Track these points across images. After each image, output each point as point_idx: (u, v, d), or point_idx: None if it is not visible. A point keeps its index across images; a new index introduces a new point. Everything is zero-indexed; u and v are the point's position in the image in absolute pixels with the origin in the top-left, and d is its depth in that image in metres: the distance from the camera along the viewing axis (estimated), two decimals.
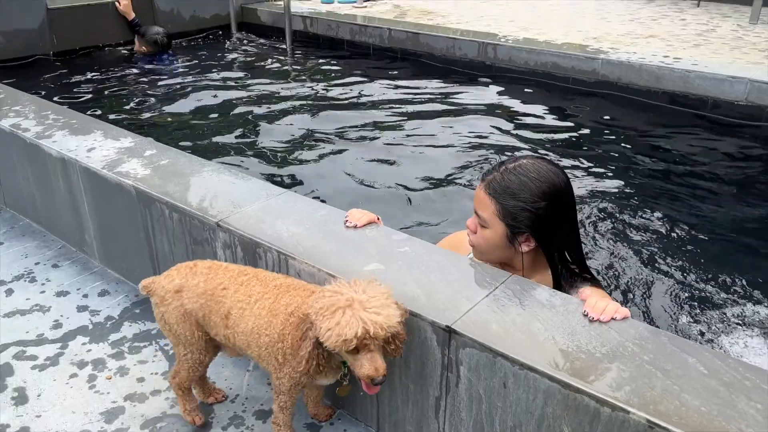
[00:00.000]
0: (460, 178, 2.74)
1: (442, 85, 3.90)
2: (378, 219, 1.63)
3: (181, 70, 4.26)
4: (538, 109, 3.53)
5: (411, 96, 3.74)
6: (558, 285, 1.45)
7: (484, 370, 1.24)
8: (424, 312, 1.31)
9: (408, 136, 3.17)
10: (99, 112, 3.42)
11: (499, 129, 3.27)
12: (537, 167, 1.40)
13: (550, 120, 3.41)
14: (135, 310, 1.97)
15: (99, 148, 2.12)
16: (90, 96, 3.71)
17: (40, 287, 2.09)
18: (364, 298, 1.19)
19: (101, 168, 1.97)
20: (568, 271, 1.44)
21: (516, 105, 3.58)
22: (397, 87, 3.90)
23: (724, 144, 3.09)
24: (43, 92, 3.35)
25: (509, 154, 2.98)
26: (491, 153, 2.97)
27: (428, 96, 3.74)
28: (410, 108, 3.54)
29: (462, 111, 3.49)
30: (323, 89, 3.90)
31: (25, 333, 1.88)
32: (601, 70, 3.69)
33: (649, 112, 3.44)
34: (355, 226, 1.60)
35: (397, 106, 3.59)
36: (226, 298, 1.36)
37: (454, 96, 3.72)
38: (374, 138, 3.14)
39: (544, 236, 1.41)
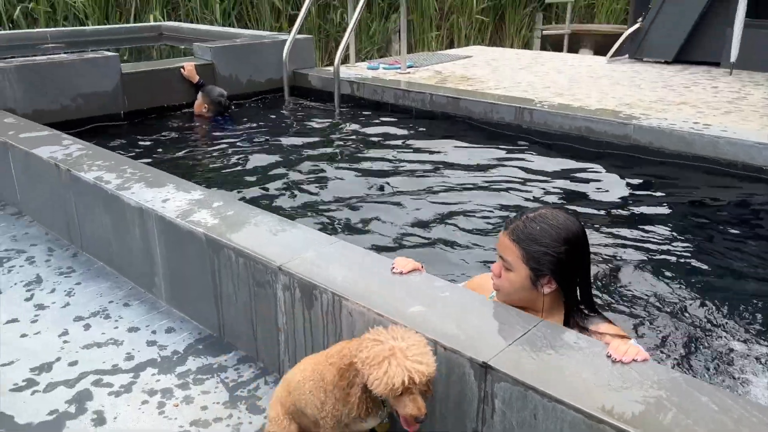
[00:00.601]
0: (493, 231, 2.89)
1: (480, 145, 4.11)
2: (421, 267, 1.81)
3: (239, 129, 4.58)
4: (571, 170, 3.69)
5: (449, 155, 3.95)
6: (568, 322, 1.60)
7: (516, 402, 1.38)
8: (462, 349, 1.47)
9: (446, 191, 3.35)
10: (167, 166, 3.72)
11: (533, 187, 3.43)
12: (555, 215, 1.57)
13: (582, 181, 3.56)
14: (198, 346, 2.16)
15: (172, 199, 2.37)
16: (158, 152, 4.02)
17: (114, 323, 2.30)
18: (404, 346, 1.34)
19: (175, 217, 2.21)
20: (579, 308, 1.60)
21: (549, 166, 3.74)
22: (436, 147, 4.11)
23: (753, 202, 3.19)
24: (117, 148, 3.67)
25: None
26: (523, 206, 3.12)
27: (466, 155, 3.94)
28: (449, 165, 3.74)
29: (498, 170, 3.67)
30: (368, 148, 4.14)
31: (102, 363, 2.08)
32: (633, 135, 3.85)
33: (679, 175, 3.57)
34: (401, 273, 1.77)
35: (437, 164, 3.79)
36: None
37: (491, 156, 3.91)
38: (415, 193, 3.33)
39: (564, 278, 1.57)
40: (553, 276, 1.57)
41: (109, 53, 4.48)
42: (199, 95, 4.70)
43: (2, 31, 6.95)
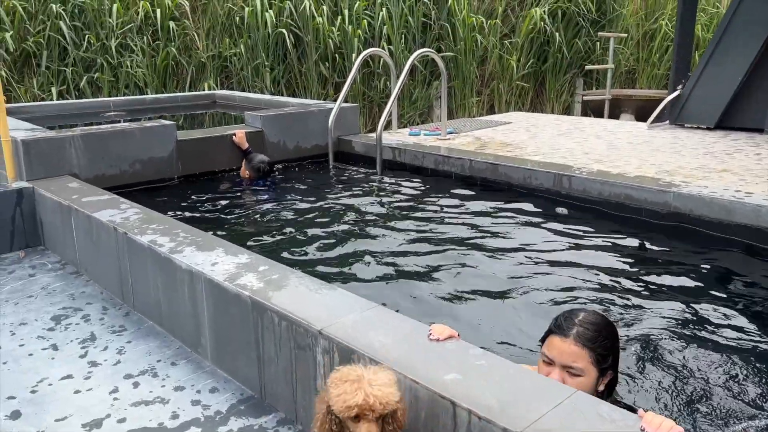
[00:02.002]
0: (535, 299, 2.90)
1: (519, 212, 4.15)
2: (457, 335, 1.85)
3: (284, 193, 4.75)
4: (610, 237, 3.69)
5: (489, 222, 4.00)
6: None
7: None
8: (496, 419, 1.49)
9: (486, 257, 3.39)
10: (215, 227, 3.89)
11: (572, 256, 3.44)
12: (596, 315, 1.76)
13: (622, 248, 3.55)
14: (240, 407, 2.22)
15: (221, 263, 2.48)
16: (208, 213, 4.21)
17: (161, 381, 2.39)
18: (372, 377, 1.44)
19: (223, 280, 2.32)
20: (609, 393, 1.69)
21: (588, 233, 3.75)
22: (475, 212, 4.18)
23: None
24: (170, 210, 3.86)
25: (581, 279, 3.13)
26: (561, 278, 3.13)
27: (504, 221, 3.99)
28: (489, 233, 3.79)
29: (537, 236, 3.70)
30: (408, 213, 4.23)
31: (149, 421, 2.16)
32: (673, 202, 3.84)
33: (720, 244, 3.53)
34: (437, 339, 1.82)
35: (476, 230, 3.85)
36: None
37: (531, 223, 3.95)
38: (455, 259, 3.38)
39: (616, 370, 1.67)
40: (613, 371, 1.67)
41: (167, 122, 4.77)
42: (244, 162, 4.94)
43: (71, 100, 7.46)
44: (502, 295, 2.96)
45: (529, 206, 4.26)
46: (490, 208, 4.26)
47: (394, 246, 3.58)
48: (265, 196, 4.69)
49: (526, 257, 3.40)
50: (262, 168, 4.88)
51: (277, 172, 5.06)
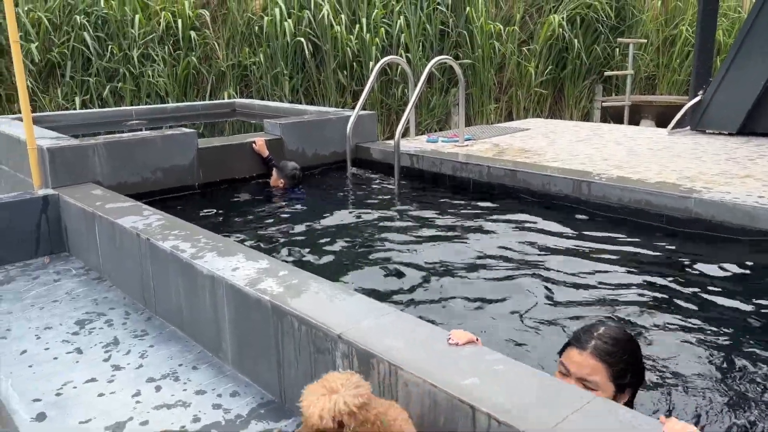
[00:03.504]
0: (554, 309, 2.89)
1: (538, 218, 4.15)
2: (477, 339, 1.86)
3: (305, 201, 4.80)
4: (630, 244, 3.67)
5: (506, 227, 4.00)
6: None
7: None
8: (516, 423, 1.49)
9: (503, 263, 3.39)
10: (238, 234, 3.93)
11: (591, 262, 3.42)
12: (618, 330, 1.75)
13: (642, 255, 3.52)
14: (260, 411, 2.25)
15: (242, 268, 2.52)
16: (229, 221, 4.26)
17: (183, 385, 2.43)
18: (343, 391, 1.50)
19: (244, 285, 2.35)
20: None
21: (608, 240, 3.73)
22: (493, 219, 4.18)
23: None
24: (191, 218, 3.90)
25: (601, 287, 3.11)
26: (581, 286, 3.12)
27: (522, 227, 3.98)
28: (506, 237, 3.79)
29: (556, 243, 3.69)
30: (425, 219, 4.24)
31: (170, 424, 2.19)
32: (694, 208, 3.81)
33: (743, 251, 3.49)
34: (457, 344, 1.83)
35: (494, 235, 3.85)
36: None
37: (549, 229, 3.94)
38: (471, 264, 3.39)
39: (636, 389, 1.66)
40: (632, 388, 1.65)
41: (188, 130, 4.84)
42: (275, 172, 4.98)
43: (94, 109, 7.60)
44: (520, 303, 2.95)
45: (547, 213, 4.25)
46: (509, 214, 4.25)
47: (412, 252, 3.60)
48: (286, 203, 4.74)
49: (545, 265, 3.39)
50: (297, 175, 4.97)
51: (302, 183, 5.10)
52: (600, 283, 3.14)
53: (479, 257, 3.50)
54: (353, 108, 6.48)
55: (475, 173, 4.97)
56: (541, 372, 1.74)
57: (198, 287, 2.62)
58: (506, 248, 3.62)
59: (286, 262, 3.43)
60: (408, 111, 5.47)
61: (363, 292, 2.43)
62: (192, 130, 4.84)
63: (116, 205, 3.60)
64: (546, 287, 3.10)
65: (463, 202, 4.62)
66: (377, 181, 5.37)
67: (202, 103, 7.85)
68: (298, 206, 4.69)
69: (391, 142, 5.57)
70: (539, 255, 3.52)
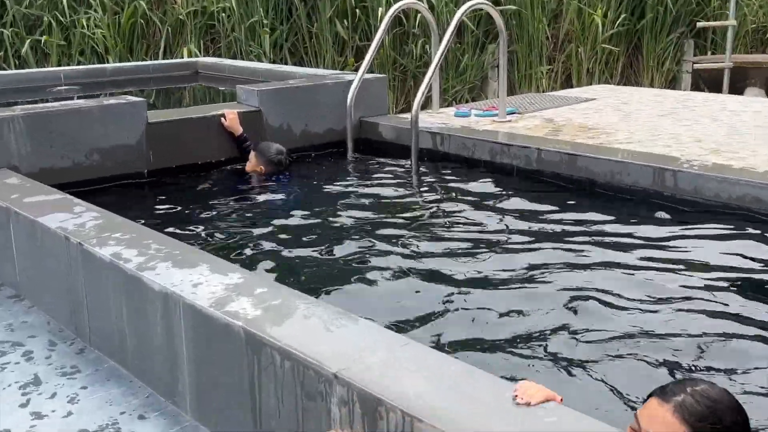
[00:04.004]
0: (632, 350, 2.87)
1: (604, 219, 4.12)
2: (559, 398, 1.81)
3: (294, 192, 4.82)
4: (732, 253, 3.65)
5: (561, 231, 3.99)
6: None
7: None
8: None
9: (561, 280, 3.38)
10: (200, 240, 3.95)
11: (679, 276, 3.40)
12: (723, 393, 1.72)
13: (748, 269, 3.50)
14: None
15: (205, 283, 2.53)
16: (189, 221, 4.28)
17: None
18: None
19: (208, 306, 2.36)
20: None
21: (703, 251, 3.71)
22: (545, 220, 4.16)
23: None
24: (138, 216, 3.92)
25: (695, 312, 3.10)
26: (667, 312, 3.10)
27: (584, 232, 3.97)
28: (559, 247, 3.77)
29: (630, 255, 3.68)
30: (453, 220, 4.24)
31: None
32: None
33: None
34: (528, 404, 1.78)
35: (544, 243, 3.83)
36: None
37: (620, 235, 3.92)
38: (520, 286, 3.38)
39: None
40: None
41: (135, 99, 4.87)
42: (252, 156, 4.99)
43: (9, 71, 7.66)
44: (586, 333, 2.94)
45: (618, 212, 4.24)
46: (566, 214, 4.24)
47: (434, 265, 3.59)
48: (280, 198, 4.77)
49: (617, 282, 3.38)
50: (283, 161, 4.98)
51: (290, 162, 5.11)
52: (694, 306, 3.12)
53: (525, 271, 3.49)
54: (356, 70, 6.49)
55: (520, 158, 4.96)
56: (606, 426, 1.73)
57: (147, 309, 2.63)
58: (562, 261, 3.61)
59: (265, 275, 3.45)
60: (430, 74, 5.47)
61: (368, 317, 2.44)
62: (140, 99, 4.87)
63: (38, 198, 3.63)
64: (621, 312, 3.09)
65: (503, 197, 4.62)
66: (388, 169, 5.37)
67: (153, 62, 7.89)
68: (281, 201, 4.71)
69: (408, 116, 5.58)
70: (607, 270, 3.51)
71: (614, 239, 3.87)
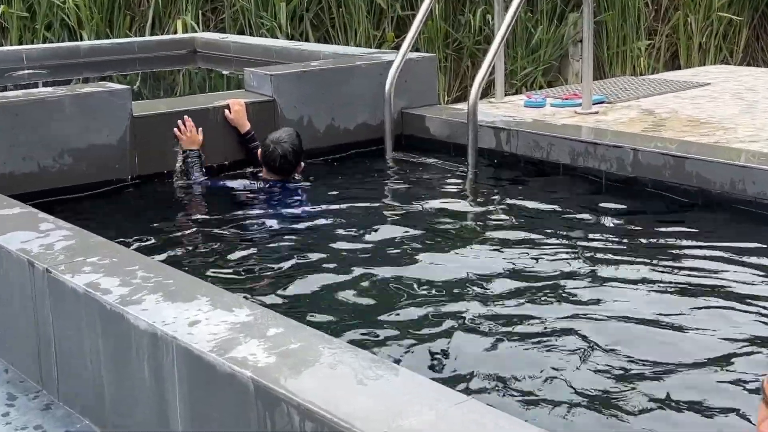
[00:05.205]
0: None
1: (721, 243, 4.09)
2: None
3: (312, 204, 4.80)
4: None
5: (670, 256, 3.96)
6: None
7: None
8: None
9: (656, 319, 3.37)
10: (197, 264, 3.99)
11: None
12: None
13: None
14: None
15: (205, 321, 2.55)
16: (184, 241, 4.33)
17: None
18: None
19: (208, 350, 2.38)
20: None
21: None
22: (642, 241, 4.14)
23: None
24: (120, 236, 3.97)
25: None
26: None
27: (694, 256, 3.94)
28: (667, 278, 3.74)
29: (751, 286, 3.65)
30: (522, 241, 4.22)
31: None
32: None
33: None
34: None
35: (645, 269, 3.81)
36: None
37: (741, 260, 3.89)
38: (602, 319, 3.38)
39: None
40: None
41: (116, 86, 4.93)
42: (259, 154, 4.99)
43: None
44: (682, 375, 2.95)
45: (739, 231, 4.21)
46: (672, 233, 4.22)
47: (498, 301, 3.59)
48: (287, 212, 4.76)
49: (725, 317, 3.38)
50: (278, 162, 4.82)
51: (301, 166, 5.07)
52: None
53: (622, 322, 3.45)
54: (397, 48, 6.51)
55: (611, 161, 4.93)
56: None
57: (131, 353, 2.66)
58: (656, 286, 3.60)
59: (279, 311, 3.47)
60: (493, 53, 5.47)
61: (412, 366, 2.44)
62: (123, 87, 4.92)
63: None
64: (717, 351, 3.09)
65: (588, 213, 4.60)
66: (436, 176, 5.38)
67: (139, 39, 7.99)
68: (301, 217, 4.67)
69: (463, 106, 5.60)
70: (713, 299, 3.52)
71: (736, 269, 3.84)
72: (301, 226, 4.56)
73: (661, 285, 3.69)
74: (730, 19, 10.53)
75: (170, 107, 5.19)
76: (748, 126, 5.59)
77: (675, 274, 3.81)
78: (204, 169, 5.05)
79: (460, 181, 5.26)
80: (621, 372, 3.05)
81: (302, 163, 5.06)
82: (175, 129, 5.03)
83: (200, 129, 5.09)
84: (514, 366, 3.10)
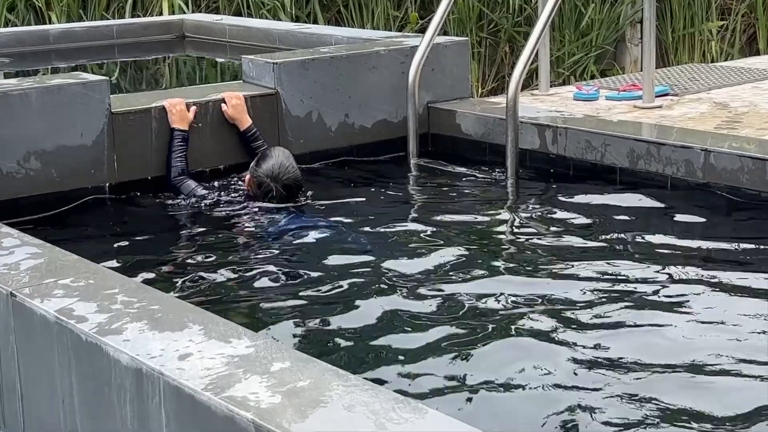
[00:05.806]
0: None
1: None
2: None
3: (317, 221, 4.80)
4: None
5: (746, 283, 3.95)
6: None
7: None
8: None
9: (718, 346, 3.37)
10: (188, 287, 4.00)
11: None
12: None
13: None
14: None
15: (197, 354, 2.56)
16: (173, 259, 4.35)
17: None
18: None
19: (202, 389, 2.39)
20: None
21: None
22: (711, 259, 4.13)
23: None
24: (97, 253, 3.98)
25: None
26: None
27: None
28: (744, 308, 3.74)
29: None
30: (571, 261, 4.22)
31: None
32: None
33: None
34: None
35: (715, 292, 3.81)
36: None
37: None
38: (652, 346, 3.39)
39: None
40: None
41: (91, 77, 4.96)
42: (250, 167, 4.92)
43: None
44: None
45: None
46: (751, 251, 4.21)
47: (544, 331, 3.59)
48: (305, 222, 4.75)
49: None
50: (273, 188, 4.74)
51: (307, 195, 5.01)
52: None
53: (670, 328, 3.48)
54: (422, 31, 6.53)
55: (677, 165, 4.92)
56: None
57: (111, 392, 2.67)
58: (745, 328, 3.59)
59: (284, 342, 3.47)
60: (536, 37, 5.47)
61: (443, 407, 2.43)
62: (99, 78, 4.95)
63: None
64: None
65: (651, 224, 4.59)
66: (469, 182, 5.38)
67: (118, 22, 8.02)
68: (306, 230, 4.65)
69: (501, 99, 5.60)
70: None
71: None
72: (307, 241, 4.58)
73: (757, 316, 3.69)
74: None
75: (156, 102, 5.16)
76: None
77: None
78: (186, 156, 5.08)
79: (497, 188, 5.25)
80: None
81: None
82: (165, 102, 5.08)
83: (193, 107, 5.14)
84: (574, 409, 3.11)
